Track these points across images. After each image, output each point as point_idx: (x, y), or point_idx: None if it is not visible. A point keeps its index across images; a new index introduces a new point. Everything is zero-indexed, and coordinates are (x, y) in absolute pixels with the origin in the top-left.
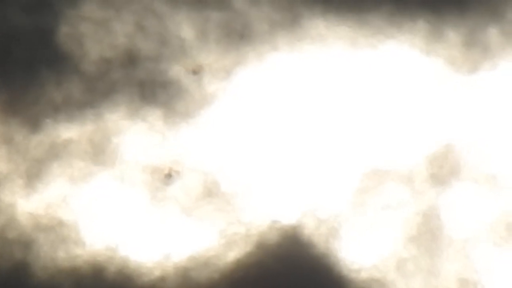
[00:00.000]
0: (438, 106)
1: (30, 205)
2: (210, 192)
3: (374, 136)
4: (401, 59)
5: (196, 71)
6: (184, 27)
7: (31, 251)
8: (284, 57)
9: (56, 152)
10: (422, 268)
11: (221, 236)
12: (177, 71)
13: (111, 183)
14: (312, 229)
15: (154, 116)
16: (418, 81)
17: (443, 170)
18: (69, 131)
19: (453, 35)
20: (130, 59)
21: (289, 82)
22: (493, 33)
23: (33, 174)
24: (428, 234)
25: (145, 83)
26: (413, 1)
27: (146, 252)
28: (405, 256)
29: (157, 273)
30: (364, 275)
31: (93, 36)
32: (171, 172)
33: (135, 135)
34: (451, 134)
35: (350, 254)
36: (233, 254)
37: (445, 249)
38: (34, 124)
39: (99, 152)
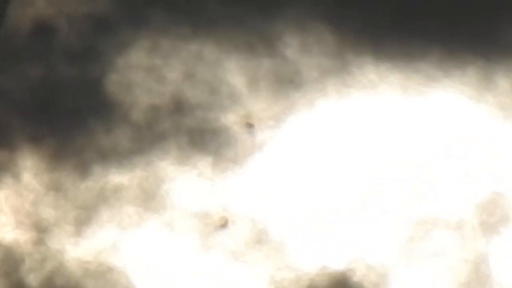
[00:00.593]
0: (487, 153)
1: (78, 251)
2: (259, 238)
3: (423, 184)
4: (451, 106)
5: (251, 125)
6: (234, 74)
7: None
8: (334, 104)
9: (105, 199)
10: None
11: (271, 283)
12: (226, 119)
13: (160, 229)
14: (362, 276)
15: (204, 163)
16: (467, 128)
17: (493, 218)
18: (118, 178)
19: (503, 82)
20: (179, 107)
21: (338, 129)
22: None
23: (82, 221)
24: (477, 282)
25: (194, 130)
26: (463, 48)
27: None
28: None
29: None
30: None
31: (141, 84)
32: (225, 222)
33: (185, 182)
34: (501, 181)
35: None
36: None
37: None
38: (82, 171)
39: (148, 199)
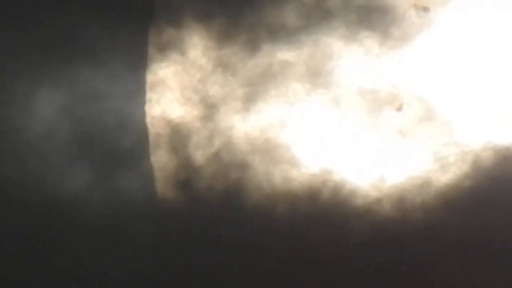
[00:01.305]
0: None
1: (245, 128)
2: (426, 115)
3: None
4: None
5: (426, 8)
6: None
7: (247, 172)
8: None
9: (272, 75)
10: None
11: (436, 158)
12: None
13: (327, 106)
14: None
15: (371, 41)
16: None
17: None
18: (285, 55)
19: None
20: None
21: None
22: None
23: (249, 97)
24: None
25: (362, 8)
26: None
27: (361, 174)
28: None
29: (372, 195)
30: None
31: None
32: (400, 106)
33: (352, 59)
34: None
35: None
36: (447, 176)
37: None
38: (250, 48)
39: (315, 75)
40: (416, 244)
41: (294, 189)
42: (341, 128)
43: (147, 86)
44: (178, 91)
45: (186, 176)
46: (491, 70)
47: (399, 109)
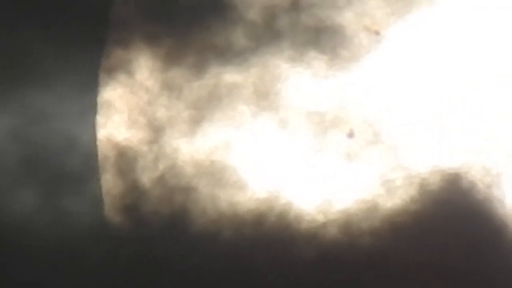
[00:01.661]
0: None
1: (192, 150)
2: (373, 138)
3: None
4: None
5: (378, 32)
6: None
7: (192, 196)
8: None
9: (219, 97)
10: None
11: (383, 182)
12: (343, 17)
13: (273, 128)
14: (474, 175)
15: (319, 62)
16: None
17: None
18: (232, 76)
19: None
20: (295, 5)
21: (458, 26)
22: None
23: (196, 120)
24: None
25: (310, 29)
26: None
27: (308, 198)
28: None
29: (319, 219)
30: None
31: None
32: (352, 132)
33: (299, 81)
34: None
35: None
36: (394, 200)
37: None
38: (197, 70)
39: (262, 97)
40: (363, 269)
41: (240, 212)
42: (288, 151)
43: (95, 108)
44: (125, 114)
45: (133, 200)
46: (437, 94)
47: (350, 135)
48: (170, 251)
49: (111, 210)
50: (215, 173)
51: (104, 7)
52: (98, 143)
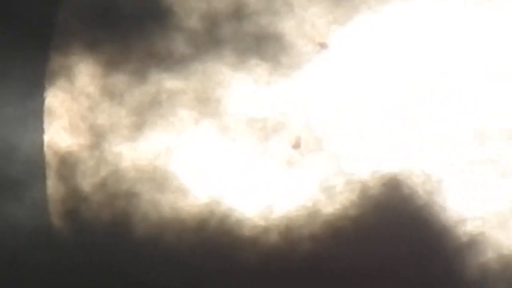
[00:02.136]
0: None
1: (133, 156)
2: (314, 144)
3: (478, 92)
4: None
5: (324, 45)
6: None
7: (134, 202)
8: (394, 9)
9: (160, 104)
10: None
11: (323, 188)
12: (284, 25)
13: (215, 134)
14: (415, 181)
15: (260, 69)
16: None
17: None
18: (173, 83)
19: None
20: (237, 13)
21: (400, 33)
22: None
23: (137, 126)
24: None
25: (252, 36)
26: None
27: (249, 203)
28: (509, 211)
29: (259, 224)
30: (467, 227)
31: None
32: (298, 143)
33: (240, 87)
34: None
35: (454, 206)
36: (335, 205)
37: None
38: (138, 75)
39: (203, 104)
40: (304, 274)
41: (182, 218)
42: (229, 157)
43: (36, 114)
44: (66, 120)
45: (74, 206)
46: (378, 101)
47: (296, 146)
48: (112, 256)
49: (52, 216)
50: (157, 178)
51: (47, 13)
52: (39, 149)
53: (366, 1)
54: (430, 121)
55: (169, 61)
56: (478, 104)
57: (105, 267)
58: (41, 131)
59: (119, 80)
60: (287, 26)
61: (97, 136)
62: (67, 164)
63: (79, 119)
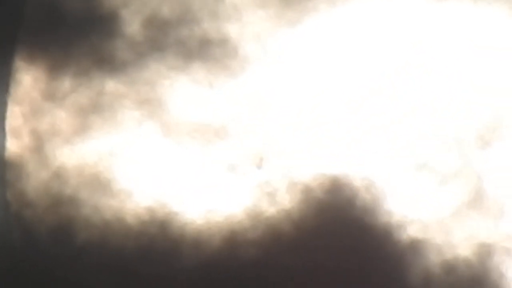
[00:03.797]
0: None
1: (76, 160)
2: (256, 147)
3: (423, 99)
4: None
5: (259, 165)
6: None
7: (77, 205)
8: (340, 12)
9: (102, 106)
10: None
11: (266, 190)
12: (228, 29)
13: (157, 137)
14: (358, 184)
15: (202, 72)
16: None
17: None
18: (115, 86)
19: None
20: (180, 17)
21: (348, 36)
22: None
23: (79, 128)
24: (474, 196)
25: (195, 40)
26: None
27: (192, 207)
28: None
29: (202, 228)
30: (409, 231)
31: None
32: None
33: (183, 90)
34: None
35: (396, 210)
36: (277, 208)
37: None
38: (80, 79)
39: (145, 107)
40: (246, 276)
41: (124, 222)
42: (172, 160)
43: None
44: (9, 123)
45: (18, 210)
46: (323, 103)
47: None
48: (56, 260)
49: None
50: (99, 182)
51: None
52: None
53: (315, 4)
54: (374, 126)
55: (112, 65)
56: (423, 111)
57: (48, 271)
58: None
59: (62, 84)
60: (233, 30)
61: (40, 140)
62: (10, 168)
63: (22, 122)
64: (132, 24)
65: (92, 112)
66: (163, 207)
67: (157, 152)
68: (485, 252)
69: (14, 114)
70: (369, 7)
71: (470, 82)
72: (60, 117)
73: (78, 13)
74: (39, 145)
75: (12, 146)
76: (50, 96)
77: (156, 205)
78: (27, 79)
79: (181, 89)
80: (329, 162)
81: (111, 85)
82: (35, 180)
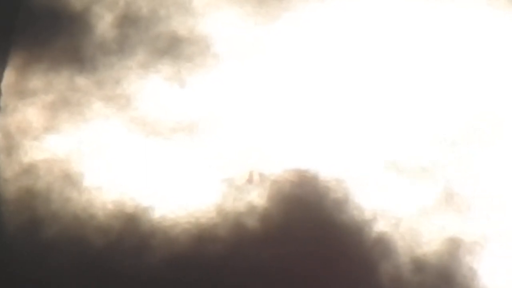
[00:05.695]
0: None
1: (45, 155)
2: (225, 142)
3: (397, 97)
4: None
5: (250, 181)
6: None
7: (46, 200)
8: (316, 8)
9: (71, 102)
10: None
11: (233, 186)
12: (198, 26)
13: (126, 132)
14: (328, 180)
15: (171, 68)
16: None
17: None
18: (84, 81)
19: None
20: (151, 14)
21: (325, 33)
22: None
23: (49, 124)
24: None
25: (165, 37)
26: None
27: (159, 201)
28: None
29: (170, 222)
30: (379, 228)
31: None
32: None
33: (151, 87)
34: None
35: (366, 206)
36: (244, 203)
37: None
38: (49, 76)
39: (114, 102)
40: (215, 270)
41: (94, 216)
42: (141, 156)
43: None
44: None
45: None
46: (296, 100)
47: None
48: (25, 255)
49: None
50: (69, 177)
51: None
52: None
53: (291, 1)
54: (346, 122)
55: (81, 61)
56: (393, 109)
57: (17, 266)
58: None
59: (31, 80)
60: (201, 28)
61: (10, 137)
62: None
63: None
64: (103, 22)
65: (61, 108)
66: (132, 203)
67: (126, 148)
68: (454, 248)
69: None
70: (345, 3)
71: (441, 81)
72: (30, 113)
73: (48, 10)
74: (9, 141)
75: None
76: (20, 92)
77: (125, 201)
78: None
79: (151, 86)
80: (299, 158)
81: (81, 81)
82: (5, 176)
